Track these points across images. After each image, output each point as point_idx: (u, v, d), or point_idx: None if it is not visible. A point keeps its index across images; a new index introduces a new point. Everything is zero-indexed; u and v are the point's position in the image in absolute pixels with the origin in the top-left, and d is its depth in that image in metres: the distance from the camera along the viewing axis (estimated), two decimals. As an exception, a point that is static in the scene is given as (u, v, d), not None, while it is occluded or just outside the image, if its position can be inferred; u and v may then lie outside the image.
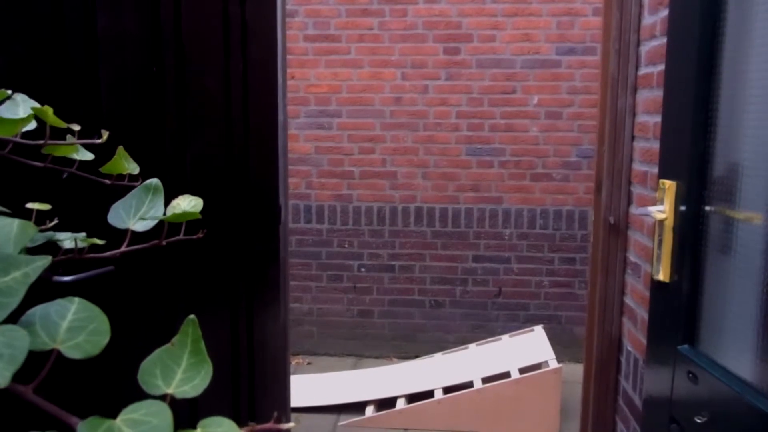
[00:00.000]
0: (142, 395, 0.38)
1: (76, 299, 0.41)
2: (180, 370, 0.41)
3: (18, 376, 0.35)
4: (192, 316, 0.43)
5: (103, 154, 0.71)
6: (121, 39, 1.27)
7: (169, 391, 0.39)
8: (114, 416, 0.36)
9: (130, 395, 0.40)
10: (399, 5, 3.99)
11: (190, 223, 0.64)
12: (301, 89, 4.10)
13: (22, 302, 0.40)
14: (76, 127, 0.61)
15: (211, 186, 1.59)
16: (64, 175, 0.69)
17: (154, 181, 0.58)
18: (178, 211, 0.57)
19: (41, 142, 0.57)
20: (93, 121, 1.15)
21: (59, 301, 0.41)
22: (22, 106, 0.57)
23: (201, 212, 0.60)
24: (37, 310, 0.40)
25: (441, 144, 4.07)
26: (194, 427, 0.37)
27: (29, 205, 0.56)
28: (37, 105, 0.57)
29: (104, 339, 0.39)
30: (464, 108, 4.04)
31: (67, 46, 1.14)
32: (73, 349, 0.38)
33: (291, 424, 0.36)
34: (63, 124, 0.58)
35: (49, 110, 0.56)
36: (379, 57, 4.05)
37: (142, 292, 1.32)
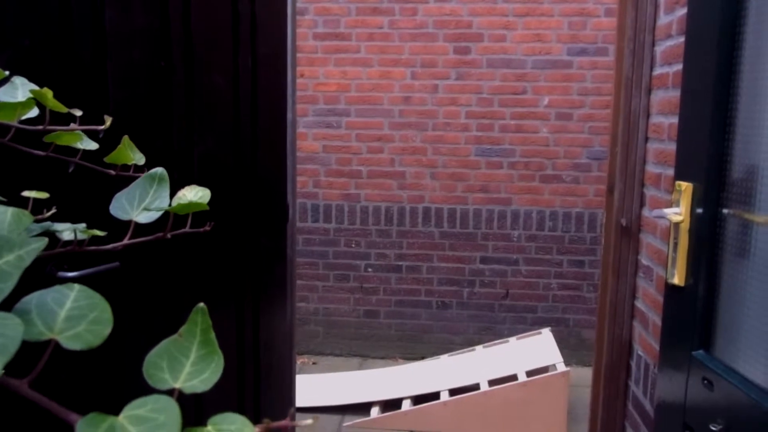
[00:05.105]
0: (147, 390, 0.36)
1: (76, 286, 0.38)
2: (188, 362, 0.38)
3: (12, 369, 0.33)
4: (201, 304, 0.40)
5: (109, 146, 0.69)
6: (129, 34, 1.26)
7: (177, 385, 0.36)
8: (117, 412, 0.34)
9: (134, 390, 0.38)
10: (409, 4, 3.97)
11: (196, 217, 0.62)
12: (309, 87, 4.09)
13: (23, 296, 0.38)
14: (78, 113, 0.59)
15: (219, 183, 1.57)
16: (71, 168, 0.67)
17: (159, 170, 0.55)
18: (184, 201, 0.54)
19: (41, 127, 0.55)
20: (100, 116, 1.13)
21: (58, 288, 0.38)
22: (21, 89, 0.55)
23: (208, 210, 0.58)
24: (34, 297, 0.38)
25: (450, 144, 4.05)
26: (200, 424, 0.35)
27: (25, 193, 0.54)
28: (36, 88, 0.55)
29: (106, 329, 0.37)
30: (474, 108, 4.01)
31: (75, 41, 1.13)
32: (73, 340, 0.36)
33: (308, 421, 0.33)
34: (64, 109, 0.56)
35: (48, 93, 0.54)
36: (388, 56, 4.03)
37: (147, 286, 1.31)
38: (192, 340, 0.38)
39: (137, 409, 0.32)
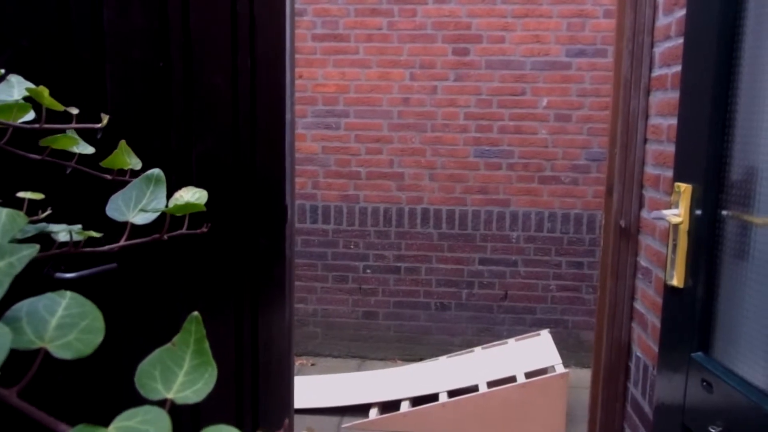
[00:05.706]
0: (140, 400, 0.35)
1: (68, 293, 0.37)
2: (182, 372, 0.37)
3: (4, 377, 0.32)
4: (195, 313, 0.40)
5: (106, 148, 0.69)
6: (127, 34, 1.25)
7: (169, 395, 0.36)
8: (109, 423, 0.33)
9: (127, 400, 0.37)
10: (408, 5, 3.97)
11: (193, 219, 0.61)
12: (308, 89, 4.08)
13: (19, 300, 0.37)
14: (74, 111, 0.59)
15: (217, 183, 1.57)
16: (68, 170, 0.67)
17: (156, 171, 0.55)
18: (181, 202, 0.54)
19: (37, 126, 0.54)
20: (99, 116, 1.13)
21: (49, 295, 0.37)
22: (17, 88, 0.54)
23: (206, 211, 0.57)
24: (24, 305, 0.37)
25: (449, 145, 4.05)
26: (197, 427, 0.34)
27: (20, 194, 0.53)
28: (32, 86, 0.54)
29: (98, 337, 0.36)
30: (473, 109, 4.01)
31: (74, 41, 1.13)
32: (63, 349, 0.35)
33: (304, 432, 0.33)
34: (60, 107, 0.55)
35: (44, 91, 0.53)
36: (387, 57, 4.02)
37: (144, 287, 1.30)
38: (185, 350, 0.37)
39: (127, 420, 0.32)
